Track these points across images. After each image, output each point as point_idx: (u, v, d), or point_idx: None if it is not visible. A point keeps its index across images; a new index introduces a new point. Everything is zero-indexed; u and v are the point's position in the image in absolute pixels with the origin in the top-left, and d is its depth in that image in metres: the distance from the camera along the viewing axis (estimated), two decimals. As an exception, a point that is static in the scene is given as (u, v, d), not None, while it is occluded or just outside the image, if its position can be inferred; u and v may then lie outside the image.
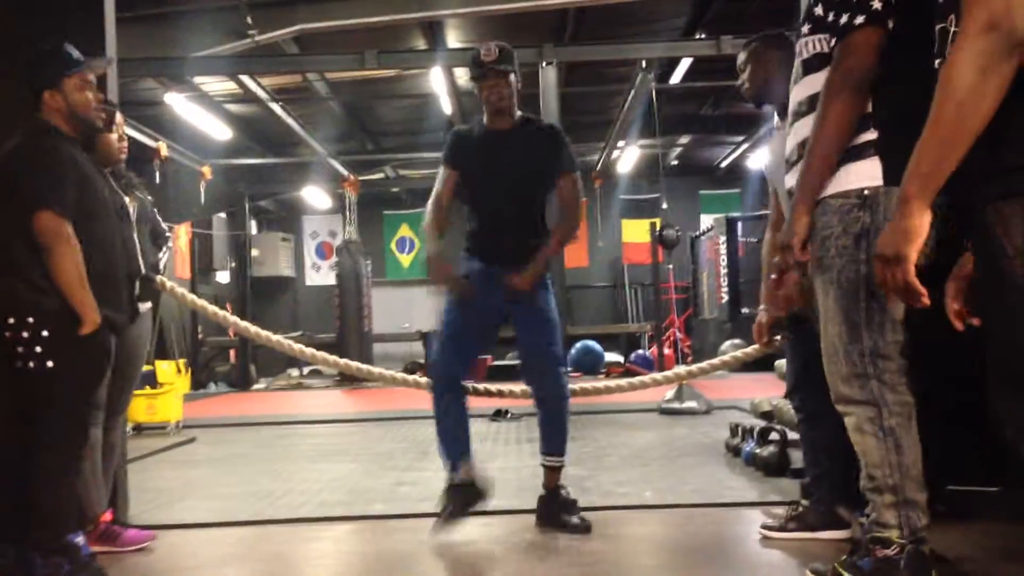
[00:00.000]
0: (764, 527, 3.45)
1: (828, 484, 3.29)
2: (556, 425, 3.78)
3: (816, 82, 2.59)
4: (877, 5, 2.35)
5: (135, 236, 3.58)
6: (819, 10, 2.53)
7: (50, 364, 2.97)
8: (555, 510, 3.74)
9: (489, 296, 3.67)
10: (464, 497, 3.64)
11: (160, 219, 3.95)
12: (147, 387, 7.30)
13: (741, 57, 3.39)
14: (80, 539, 3.06)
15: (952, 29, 1.64)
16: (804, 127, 2.66)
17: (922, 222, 1.57)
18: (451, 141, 3.85)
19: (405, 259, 18.62)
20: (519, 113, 3.74)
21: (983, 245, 1.55)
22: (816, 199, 2.51)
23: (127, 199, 3.60)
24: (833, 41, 2.47)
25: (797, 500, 3.54)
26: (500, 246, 3.71)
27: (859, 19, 2.37)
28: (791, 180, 2.75)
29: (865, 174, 2.45)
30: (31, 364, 2.96)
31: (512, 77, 3.62)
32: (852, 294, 2.47)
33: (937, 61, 1.71)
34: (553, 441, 3.78)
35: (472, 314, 3.69)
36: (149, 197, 3.87)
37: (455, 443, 3.70)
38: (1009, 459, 1.65)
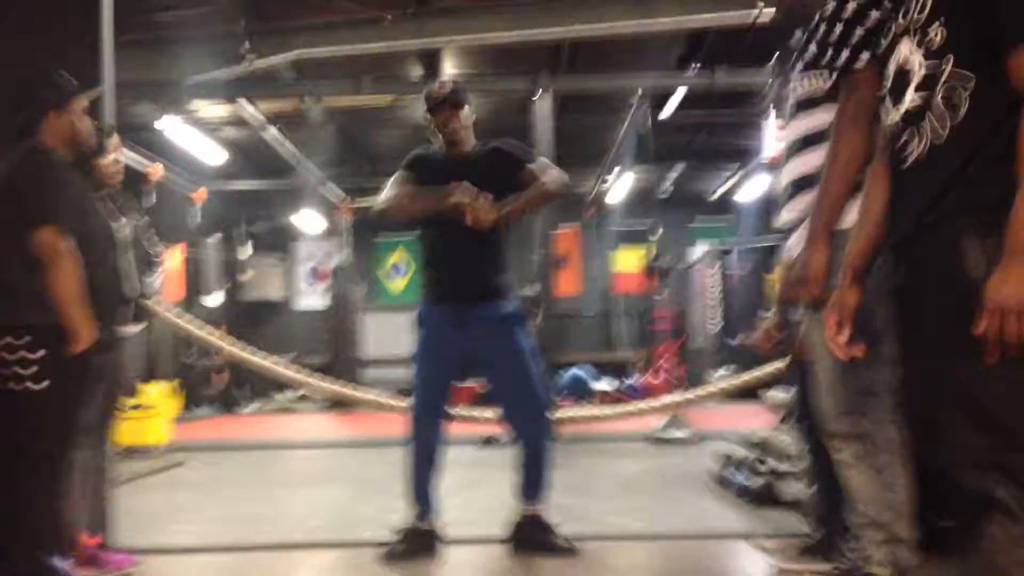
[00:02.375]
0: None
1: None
2: (539, 471, 3.77)
3: (810, 121, 2.62)
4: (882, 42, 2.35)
5: (127, 260, 3.59)
6: (813, 48, 2.55)
7: (45, 383, 2.96)
8: (536, 533, 3.74)
9: (456, 339, 3.67)
10: (421, 546, 3.69)
11: (152, 243, 3.96)
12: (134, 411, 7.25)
13: None
14: (65, 564, 3.04)
15: (948, 68, 1.67)
16: (797, 165, 2.69)
17: None
18: (413, 158, 3.85)
19: (398, 284, 18.62)
20: (474, 141, 3.81)
21: (948, 272, 1.61)
22: (831, 233, 2.47)
23: (121, 222, 3.61)
24: (832, 77, 2.48)
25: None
26: (462, 279, 3.69)
27: (865, 55, 2.33)
28: (786, 216, 2.77)
29: (855, 212, 2.47)
30: (26, 384, 2.95)
31: (464, 110, 3.75)
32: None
33: (919, 95, 1.74)
34: (533, 488, 3.78)
35: (442, 364, 3.72)
36: (141, 220, 3.88)
37: (425, 490, 3.73)
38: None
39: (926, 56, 1.75)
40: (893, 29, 1.85)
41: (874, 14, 2.31)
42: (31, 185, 3.01)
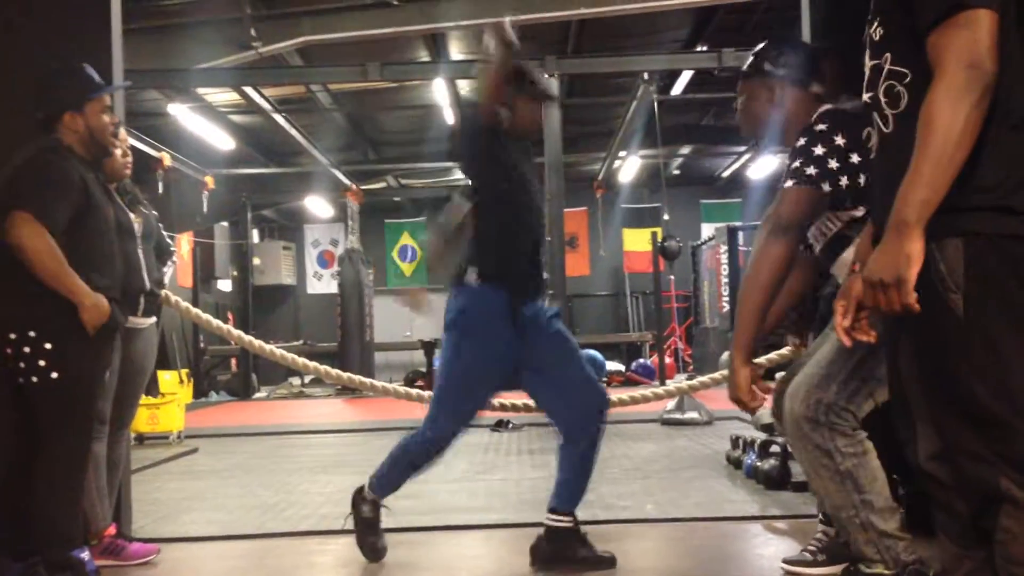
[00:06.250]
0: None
1: None
2: (587, 476, 3.32)
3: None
4: (811, 172, 2.48)
5: (140, 252, 3.60)
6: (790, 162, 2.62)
7: (54, 375, 2.97)
8: (573, 547, 3.30)
9: (515, 341, 3.19)
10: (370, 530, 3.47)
11: (165, 235, 3.97)
12: (148, 397, 7.31)
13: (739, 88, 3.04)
14: (85, 554, 3.08)
15: (886, 67, 1.74)
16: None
17: (921, 246, 1.62)
18: (491, 134, 3.19)
19: (407, 267, 18.64)
20: None
21: (924, 277, 1.63)
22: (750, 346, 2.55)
23: (132, 215, 3.63)
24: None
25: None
26: (534, 274, 3.26)
27: (789, 182, 2.52)
28: None
29: None
30: (35, 378, 2.97)
31: None
32: (848, 349, 2.34)
33: (867, 95, 1.81)
34: (575, 495, 3.33)
35: (496, 373, 3.26)
36: (154, 212, 3.89)
37: (402, 481, 3.50)
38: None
39: (870, 55, 1.81)
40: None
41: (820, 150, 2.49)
42: (25, 180, 3.01)
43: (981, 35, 1.58)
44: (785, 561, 3.15)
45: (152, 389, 7.42)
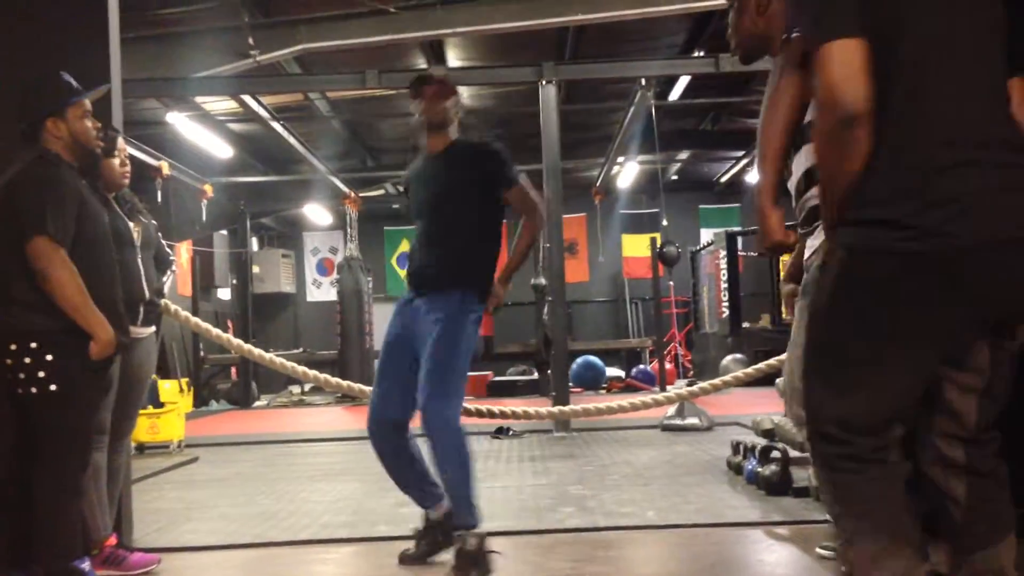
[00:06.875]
0: None
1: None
2: (449, 483, 3.40)
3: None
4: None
5: (139, 261, 3.60)
6: None
7: (53, 387, 2.97)
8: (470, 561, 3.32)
9: (416, 326, 3.49)
10: (435, 537, 3.55)
11: (164, 243, 3.97)
12: (150, 406, 7.29)
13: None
14: (86, 564, 3.08)
15: None
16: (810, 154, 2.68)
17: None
18: (405, 179, 3.83)
19: (406, 275, 18.61)
20: (455, 136, 3.59)
21: (817, 284, 1.92)
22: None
23: (131, 224, 3.63)
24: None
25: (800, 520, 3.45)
26: (423, 270, 3.55)
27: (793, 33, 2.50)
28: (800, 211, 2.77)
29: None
30: (33, 389, 2.97)
31: (449, 100, 3.53)
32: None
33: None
34: (457, 506, 3.39)
35: (400, 350, 3.53)
36: (153, 221, 3.89)
37: (407, 487, 3.59)
38: None
39: None
40: None
41: None
42: (28, 195, 3.01)
43: (833, 72, 1.68)
44: None
45: (153, 399, 7.40)
